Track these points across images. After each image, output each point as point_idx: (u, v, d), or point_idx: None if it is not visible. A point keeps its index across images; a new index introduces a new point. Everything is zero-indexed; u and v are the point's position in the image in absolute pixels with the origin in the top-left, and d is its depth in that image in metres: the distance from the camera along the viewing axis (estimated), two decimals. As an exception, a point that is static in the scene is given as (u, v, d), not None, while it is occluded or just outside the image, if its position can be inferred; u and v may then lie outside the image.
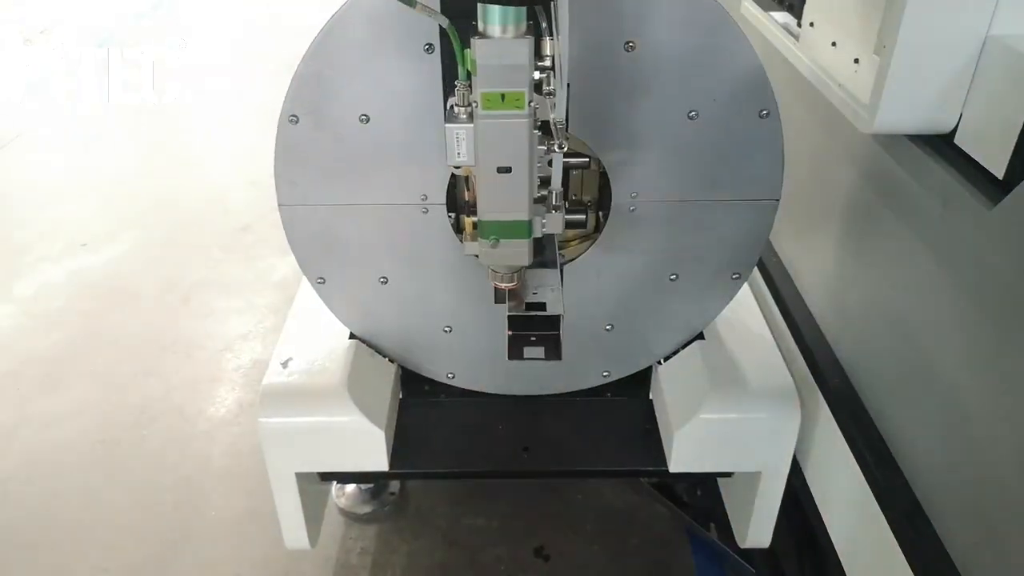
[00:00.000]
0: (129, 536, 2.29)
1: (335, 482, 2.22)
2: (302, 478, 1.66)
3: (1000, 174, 1.06)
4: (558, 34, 1.12)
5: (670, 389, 1.66)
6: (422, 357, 1.70)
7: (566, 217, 1.32)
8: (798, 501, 1.65)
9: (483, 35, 1.07)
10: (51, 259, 3.67)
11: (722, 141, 1.41)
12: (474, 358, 1.68)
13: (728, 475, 1.79)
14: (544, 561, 2.15)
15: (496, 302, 1.45)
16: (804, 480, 1.63)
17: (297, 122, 1.39)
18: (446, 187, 1.46)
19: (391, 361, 1.71)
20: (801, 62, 1.57)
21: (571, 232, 1.59)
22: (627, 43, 1.31)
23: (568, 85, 1.19)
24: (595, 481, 2.33)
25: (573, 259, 1.55)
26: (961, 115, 1.17)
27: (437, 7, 1.22)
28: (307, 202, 1.48)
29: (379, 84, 1.36)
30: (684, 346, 1.68)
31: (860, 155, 1.46)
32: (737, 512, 1.80)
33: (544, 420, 1.74)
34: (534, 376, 1.71)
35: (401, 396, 1.76)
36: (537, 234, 1.28)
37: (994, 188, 1.06)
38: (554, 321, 1.36)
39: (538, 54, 1.18)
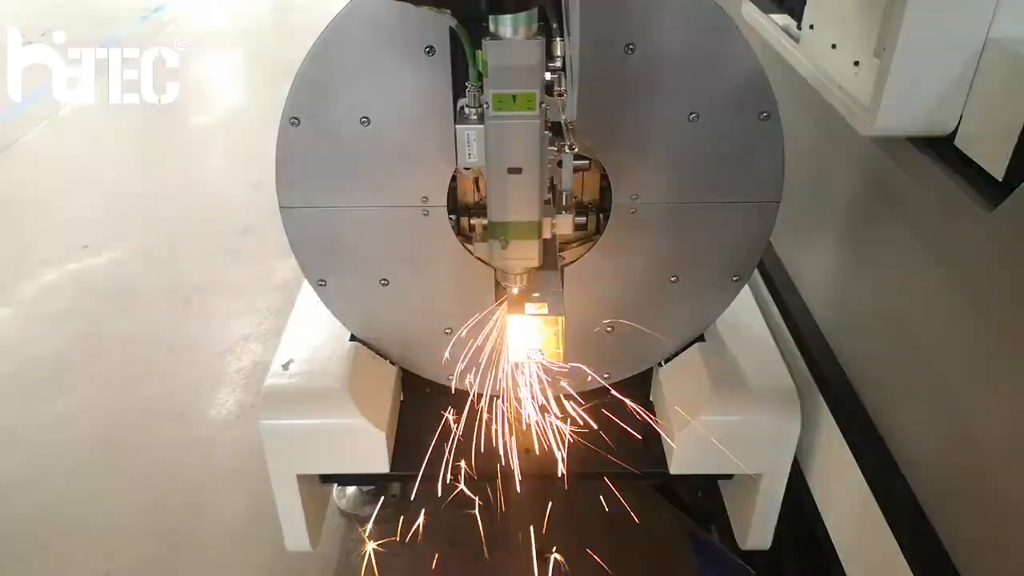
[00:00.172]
0: (131, 538, 2.29)
1: (336, 484, 2.22)
2: (303, 480, 1.66)
3: (1000, 176, 1.06)
4: (569, 35, 1.12)
5: (671, 391, 1.66)
6: (423, 359, 1.70)
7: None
8: (799, 502, 1.65)
9: (495, 36, 1.07)
10: (53, 261, 3.67)
11: (722, 143, 1.41)
12: (475, 360, 1.68)
13: (729, 477, 1.79)
14: (545, 562, 2.15)
15: (497, 303, 1.45)
16: (805, 482, 1.63)
17: (298, 124, 1.40)
18: (447, 189, 1.46)
19: (392, 363, 1.72)
20: (801, 64, 1.57)
21: (572, 234, 1.59)
22: (627, 45, 1.32)
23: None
24: (596, 482, 2.32)
25: (574, 261, 1.56)
26: (961, 117, 1.17)
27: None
28: (308, 204, 1.48)
29: (379, 87, 1.36)
30: (685, 348, 1.68)
31: (860, 157, 1.47)
32: (738, 514, 1.80)
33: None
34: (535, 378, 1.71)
35: (402, 398, 1.76)
36: (547, 235, 1.28)
37: (994, 190, 1.06)
38: (555, 323, 1.36)
39: (549, 55, 1.18)
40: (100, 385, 2.90)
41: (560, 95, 1.21)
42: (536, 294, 1.38)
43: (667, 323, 1.63)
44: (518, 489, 1.62)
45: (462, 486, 1.89)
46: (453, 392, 1.72)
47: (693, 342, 1.67)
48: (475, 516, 2.25)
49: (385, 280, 1.57)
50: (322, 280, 1.58)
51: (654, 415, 1.73)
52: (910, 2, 1.09)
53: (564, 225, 1.29)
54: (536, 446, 1.62)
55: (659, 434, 1.69)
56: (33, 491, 2.45)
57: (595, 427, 1.63)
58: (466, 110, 1.18)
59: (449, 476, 1.63)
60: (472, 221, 1.53)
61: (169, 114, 5.21)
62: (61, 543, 2.27)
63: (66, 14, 6.97)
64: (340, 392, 1.56)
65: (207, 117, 5.44)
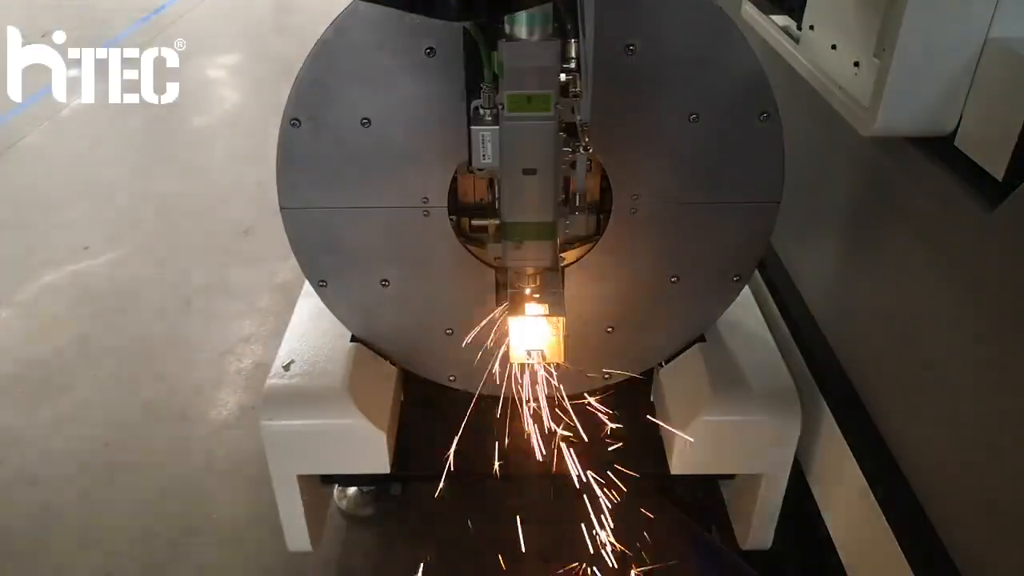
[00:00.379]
0: (132, 539, 2.29)
1: (337, 484, 2.22)
2: (304, 480, 1.66)
3: (1000, 176, 1.06)
4: (583, 36, 1.13)
5: (671, 391, 1.66)
6: (424, 360, 1.71)
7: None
8: (799, 502, 1.65)
9: (510, 37, 1.07)
10: (53, 263, 3.67)
11: (723, 143, 1.41)
12: (476, 360, 1.68)
13: (729, 477, 1.79)
14: (546, 563, 2.15)
15: (498, 304, 1.46)
16: (805, 481, 1.63)
17: (299, 126, 1.40)
18: (447, 190, 1.46)
19: (392, 363, 1.72)
20: (801, 65, 1.57)
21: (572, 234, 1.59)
22: (628, 46, 1.32)
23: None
24: (596, 483, 2.32)
25: (574, 261, 1.56)
26: (961, 117, 1.17)
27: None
28: (309, 205, 1.49)
29: (380, 88, 1.36)
30: (685, 348, 1.68)
31: (860, 157, 1.47)
32: (738, 514, 1.80)
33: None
34: (535, 379, 1.71)
35: (403, 398, 1.76)
36: (561, 236, 1.28)
37: (994, 190, 1.06)
38: (555, 324, 1.37)
39: (563, 56, 1.18)
40: (100, 385, 2.90)
41: (575, 96, 1.21)
42: (537, 295, 1.38)
43: (667, 323, 1.64)
44: (517, 489, 1.62)
45: (461, 486, 1.89)
46: (453, 392, 1.73)
47: (694, 342, 1.67)
48: (474, 516, 2.25)
49: (386, 281, 1.57)
50: (323, 281, 1.59)
51: (655, 415, 1.73)
52: (910, 2, 1.09)
53: (578, 225, 1.29)
54: (536, 446, 1.62)
55: (659, 434, 1.69)
56: (33, 491, 2.45)
57: (595, 427, 1.63)
58: (481, 111, 1.18)
59: (448, 476, 1.63)
60: (473, 222, 1.54)
61: (169, 114, 5.21)
62: (61, 543, 2.27)
63: (66, 15, 6.97)
64: (341, 393, 1.56)
65: (207, 118, 5.44)
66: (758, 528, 1.70)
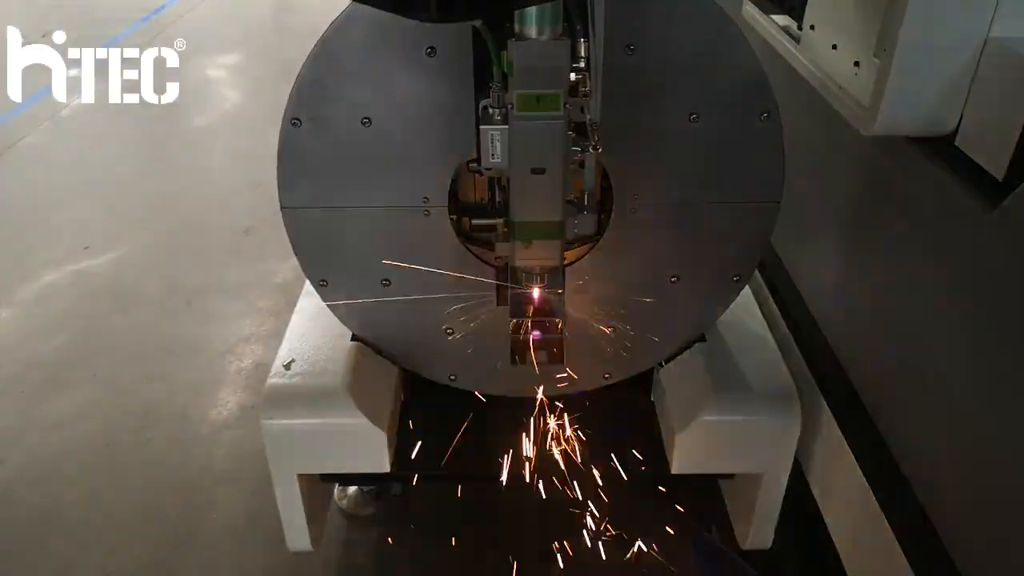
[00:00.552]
0: (132, 539, 2.29)
1: (337, 484, 2.22)
2: (304, 479, 1.66)
3: (1000, 176, 1.06)
4: (594, 35, 1.13)
5: (671, 391, 1.66)
6: (424, 359, 1.71)
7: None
8: (799, 502, 1.65)
9: (520, 37, 1.07)
10: (54, 262, 3.67)
11: (723, 143, 1.41)
12: (476, 360, 1.68)
13: (729, 477, 1.79)
14: (547, 563, 2.15)
15: (499, 304, 1.46)
16: (805, 481, 1.63)
17: (299, 125, 1.40)
18: (448, 189, 1.46)
19: (393, 363, 1.72)
20: (802, 65, 1.57)
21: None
22: (628, 46, 1.32)
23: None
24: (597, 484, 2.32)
25: (574, 261, 1.56)
26: (961, 117, 1.17)
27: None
28: (309, 205, 1.49)
29: (380, 87, 1.37)
30: (685, 348, 1.68)
31: (861, 157, 1.47)
32: (738, 514, 1.80)
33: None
34: (536, 379, 1.71)
35: (403, 398, 1.76)
36: (569, 235, 1.28)
37: (994, 190, 1.06)
38: (556, 324, 1.37)
39: (573, 55, 1.18)
40: (101, 385, 2.90)
41: (585, 96, 1.21)
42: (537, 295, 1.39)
43: (668, 323, 1.64)
44: (517, 489, 1.62)
45: (461, 486, 1.89)
46: (454, 392, 1.73)
47: (694, 342, 1.67)
48: (473, 516, 2.25)
49: (386, 280, 1.57)
50: (323, 280, 1.59)
51: (655, 415, 1.73)
52: (910, 2, 1.09)
53: (587, 225, 1.29)
54: (536, 447, 1.63)
55: (660, 434, 1.69)
56: (33, 491, 2.45)
57: (596, 428, 1.63)
58: (490, 110, 1.18)
59: (448, 476, 1.63)
60: (474, 221, 1.54)
61: (169, 114, 5.21)
62: (61, 543, 2.27)
63: (66, 15, 6.98)
64: (341, 392, 1.57)
65: (208, 117, 5.44)
66: (758, 528, 1.70)
